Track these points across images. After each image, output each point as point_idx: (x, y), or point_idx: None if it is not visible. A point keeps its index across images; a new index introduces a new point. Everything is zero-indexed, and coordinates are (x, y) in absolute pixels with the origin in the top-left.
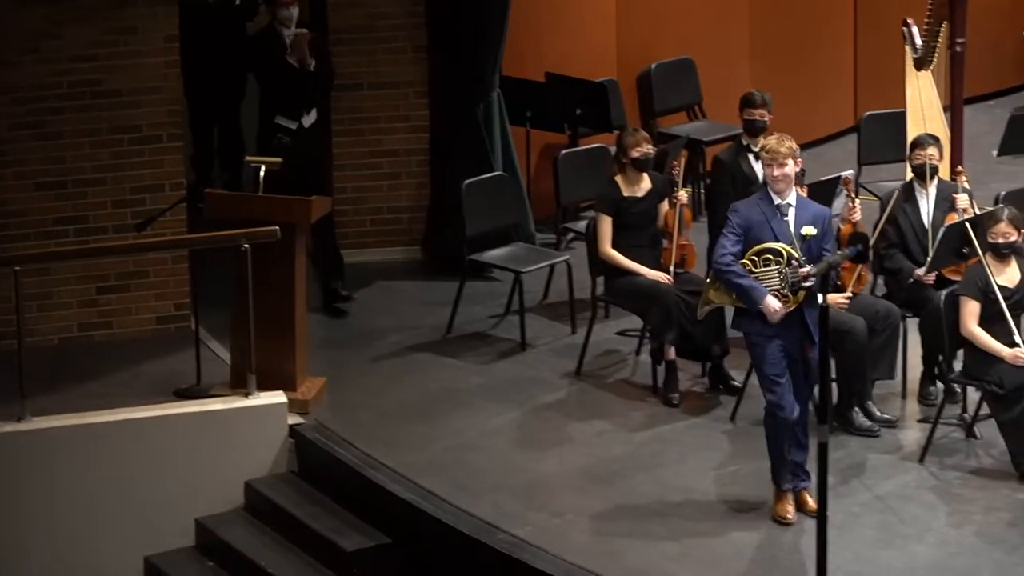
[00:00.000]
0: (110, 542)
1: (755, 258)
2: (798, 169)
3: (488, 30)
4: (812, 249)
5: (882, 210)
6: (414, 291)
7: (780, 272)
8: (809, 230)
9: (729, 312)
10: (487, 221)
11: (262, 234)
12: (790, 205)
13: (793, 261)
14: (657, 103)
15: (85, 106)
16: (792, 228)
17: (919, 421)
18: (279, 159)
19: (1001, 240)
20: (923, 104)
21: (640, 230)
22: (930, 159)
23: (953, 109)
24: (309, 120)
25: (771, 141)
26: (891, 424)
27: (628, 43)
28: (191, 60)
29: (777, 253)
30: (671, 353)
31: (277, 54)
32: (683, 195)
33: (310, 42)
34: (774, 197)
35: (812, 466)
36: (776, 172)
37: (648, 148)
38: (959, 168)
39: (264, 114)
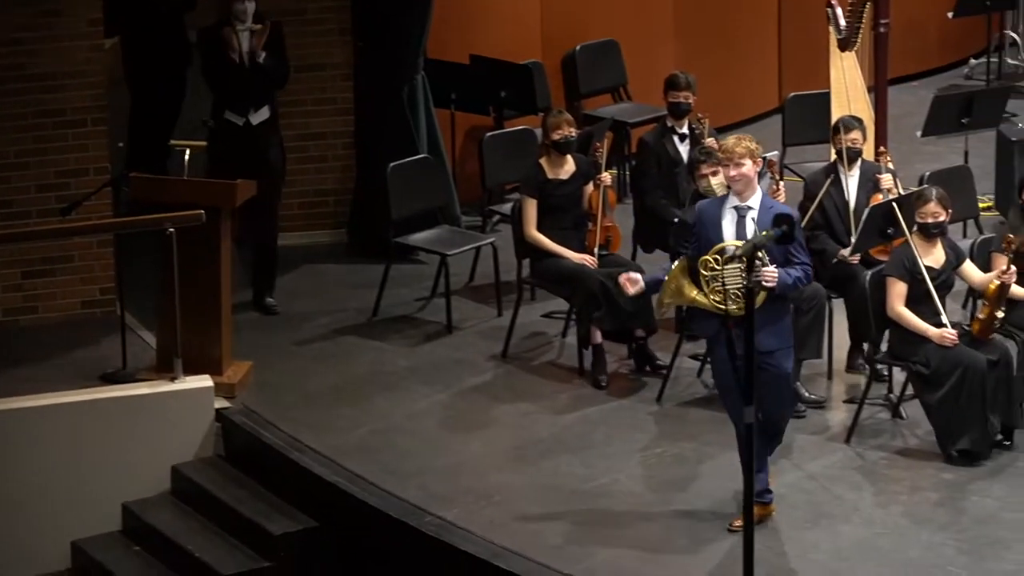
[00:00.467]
0: (36, 527)
1: (718, 256)
2: (758, 169)
3: (413, 13)
4: (775, 252)
5: (806, 190)
6: (340, 274)
7: (742, 271)
8: (769, 234)
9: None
10: (412, 204)
11: (187, 218)
12: (750, 208)
13: (756, 261)
14: (582, 85)
15: (9, 90)
16: (752, 231)
17: (845, 402)
18: (203, 143)
19: (931, 220)
20: (847, 85)
21: (565, 212)
22: (853, 143)
23: (877, 90)
24: (258, 117)
25: (729, 141)
26: (819, 404)
27: (553, 25)
28: (133, 55)
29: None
30: (597, 336)
31: (229, 49)
32: (607, 177)
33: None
34: (734, 198)
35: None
36: (732, 172)
37: (570, 131)
38: (882, 149)
39: (214, 110)
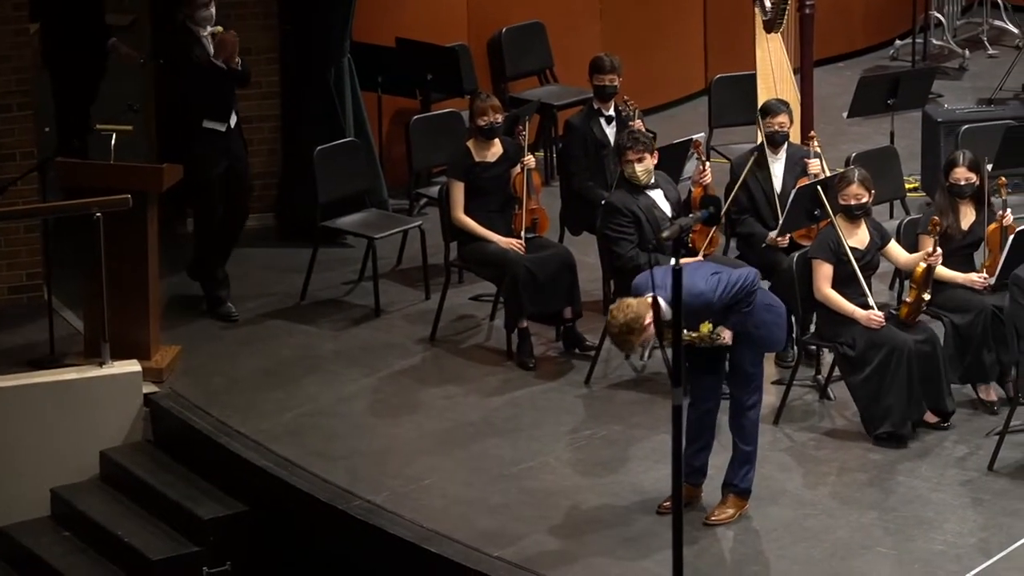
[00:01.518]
0: None
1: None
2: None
3: None
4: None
5: (733, 173)
6: (267, 258)
7: (699, 338)
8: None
9: (584, 273)
10: (339, 187)
11: (114, 202)
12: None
13: (713, 335)
14: (508, 68)
15: None
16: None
17: (774, 383)
18: (130, 127)
19: (853, 202)
20: (773, 67)
21: (492, 195)
22: (780, 126)
23: (803, 71)
24: (233, 120)
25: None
26: None
27: (478, 7)
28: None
29: (697, 336)
30: (524, 321)
31: (200, 56)
32: (531, 160)
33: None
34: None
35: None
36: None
37: (495, 116)
38: (812, 133)
39: (185, 116)
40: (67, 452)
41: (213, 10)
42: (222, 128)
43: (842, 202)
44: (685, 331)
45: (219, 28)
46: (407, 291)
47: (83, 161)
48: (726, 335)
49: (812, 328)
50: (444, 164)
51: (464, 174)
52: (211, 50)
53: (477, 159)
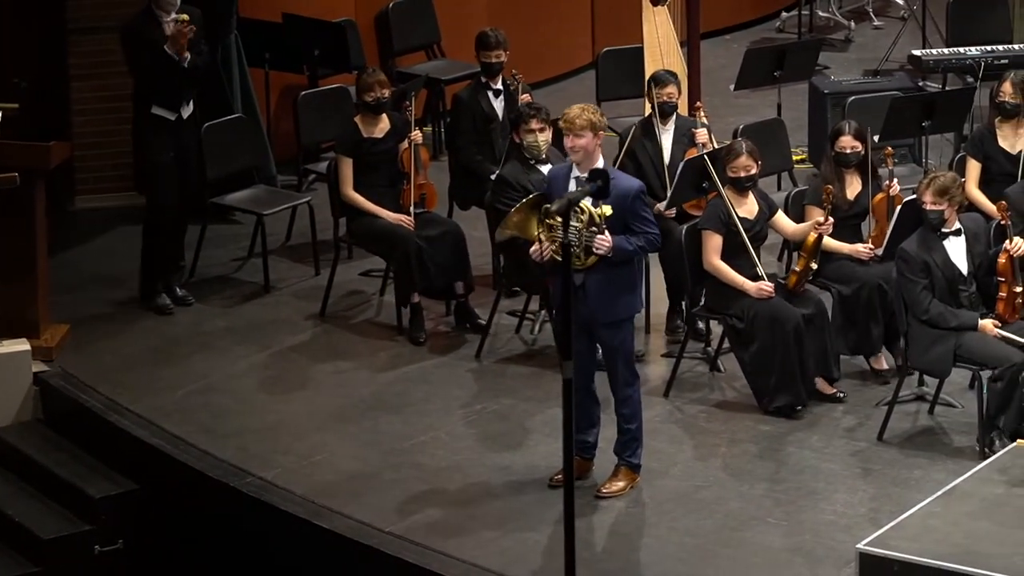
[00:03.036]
0: None
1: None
2: (599, 142)
3: None
4: (615, 227)
5: (621, 146)
6: None
7: (578, 230)
8: (605, 210)
9: (474, 247)
10: (227, 164)
11: (1, 180)
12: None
13: (593, 227)
14: (396, 42)
15: None
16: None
17: (663, 356)
18: (16, 104)
19: (743, 174)
20: (660, 39)
21: (380, 171)
22: (669, 97)
23: (690, 44)
24: (187, 111)
25: (572, 110)
26: (637, 359)
27: None
28: None
29: (582, 211)
30: (415, 296)
31: (155, 41)
32: (418, 135)
33: (189, 35)
34: (575, 168)
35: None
36: (570, 143)
37: (382, 92)
38: (699, 104)
39: (139, 104)
40: None
41: None
42: (171, 117)
43: (731, 174)
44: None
45: (184, 16)
46: (296, 267)
47: None
48: (604, 240)
49: (702, 300)
50: (332, 140)
51: (352, 150)
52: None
53: (365, 135)
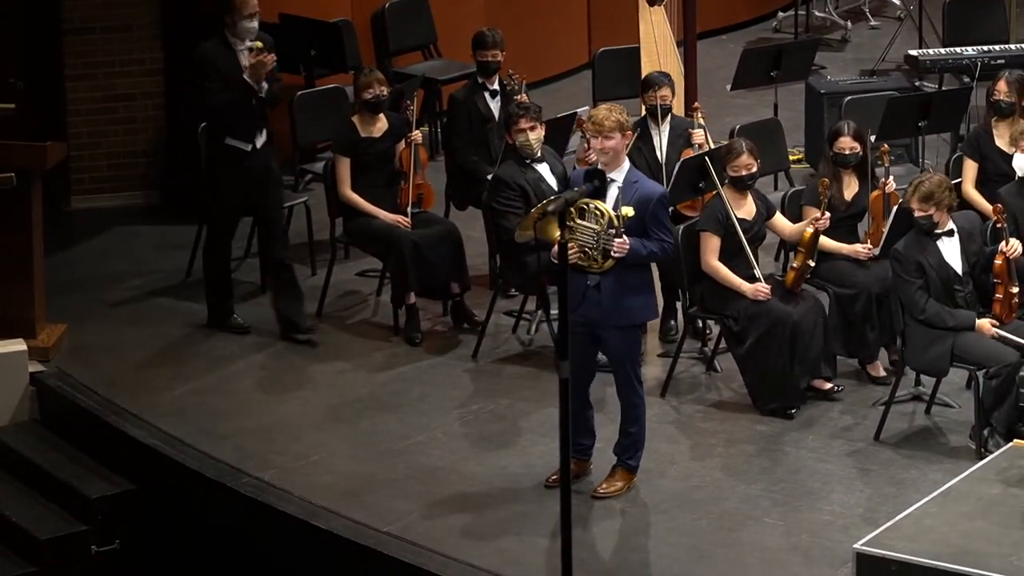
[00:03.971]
0: None
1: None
2: (627, 143)
3: None
4: (632, 230)
5: None
6: (152, 235)
7: (595, 231)
8: (627, 211)
9: (471, 248)
10: None
11: None
12: (613, 180)
13: (612, 229)
14: (392, 43)
15: None
16: (611, 205)
17: (660, 356)
18: (12, 105)
19: (744, 172)
20: (657, 40)
21: (378, 171)
22: (662, 99)
23: (686, 44)
24: (261, 140)
25: (600, 111)
26: None
27: None
28: None
29: (602, 213)
30: (411, 297)
31: (234, 71)
32: (417, 135)
33: (270, 65)
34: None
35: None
36: (599, 145)
37: (381, 89)
38: (696, 105)
39: (212, 136)
40: None
41: (257, 23)
42: (247, 148)
43: (732, 173)
44: (592, 209)
45: (258, 44)
46: (293, 267)
47: None
48: (622, 243)
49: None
50: (328, 140)
51: (350, 149)
52: (245, 64)
53: (363, 134)
